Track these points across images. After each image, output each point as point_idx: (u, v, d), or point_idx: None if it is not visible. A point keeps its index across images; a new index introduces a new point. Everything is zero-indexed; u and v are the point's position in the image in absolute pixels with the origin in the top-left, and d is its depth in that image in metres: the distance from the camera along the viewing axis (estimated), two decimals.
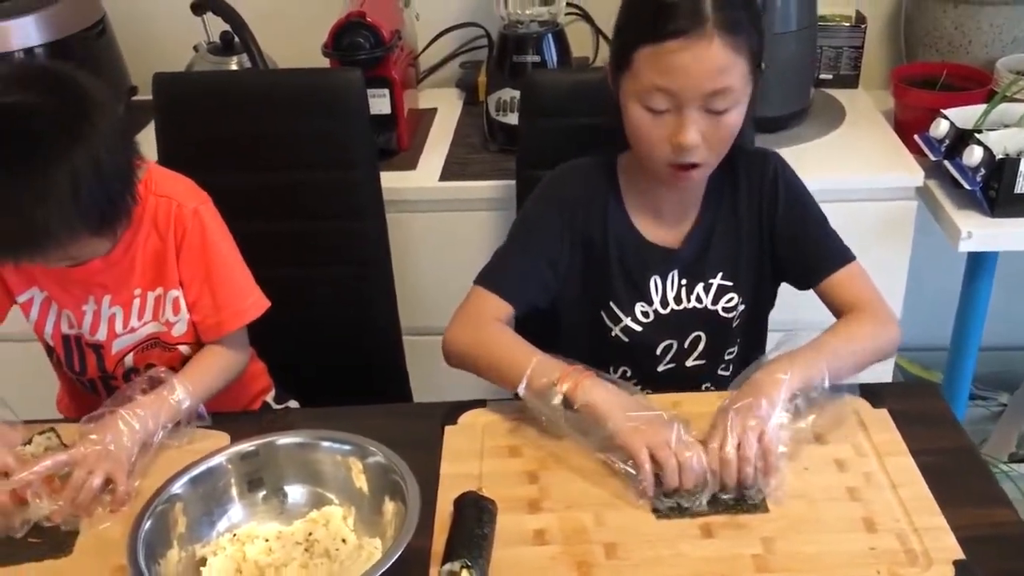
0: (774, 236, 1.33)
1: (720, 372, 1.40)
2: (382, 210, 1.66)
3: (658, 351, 1.36)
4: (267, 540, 1.06)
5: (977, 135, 1.68)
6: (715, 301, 1.34)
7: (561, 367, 1.16)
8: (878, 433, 1.18)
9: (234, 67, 1.97)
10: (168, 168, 1.37)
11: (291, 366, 1.60)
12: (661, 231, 1.34)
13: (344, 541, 1.05)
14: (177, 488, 1.06)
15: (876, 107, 2.04)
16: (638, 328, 1.35)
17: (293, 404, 1.56)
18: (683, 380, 1.36)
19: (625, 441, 1.10)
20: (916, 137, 1.80)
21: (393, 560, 0.93)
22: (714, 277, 1.34)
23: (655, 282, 1.33)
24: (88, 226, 1.14)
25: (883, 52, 2.21)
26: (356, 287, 1.67)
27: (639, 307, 1.34)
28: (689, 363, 1.38)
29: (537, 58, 1.89)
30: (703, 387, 1.38)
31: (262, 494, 1.11)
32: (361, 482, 1.09)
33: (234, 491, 1.10)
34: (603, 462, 1.13)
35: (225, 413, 1.29)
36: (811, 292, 1.32)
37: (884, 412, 1.21)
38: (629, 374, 1.38)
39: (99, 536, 1.08)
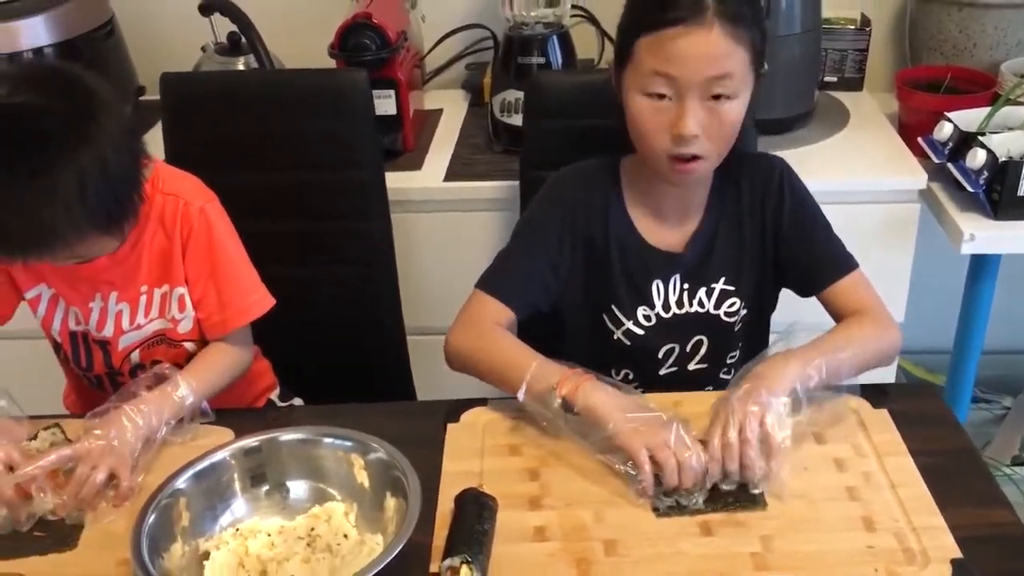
0: (778, 242, 1.33)
1: (722, 376, 1.40)
2: (387, 210, 1.66)
3: (660, 355, 1.37)
4: (269, 535, 1.07)
5: (980, 138, 1.68)
6: (717, 305, 1.35)
7: (560, 371, 1.17)
8: (878, 433, 1.18)
9: (241, 67, 1.98)
10: (175, 167, 1.37)
11: (296, 365, 1.61)
12: (663, 234, 1.34)
13: (346, 536, 1.06)
14: (181, 483, 1.07)
15: (880, 110, 2.05)
16: (640, 332, 1.35)
17: (297, 402, 1.58)
18: (685, 384, 1.36)
19: (624, 442, 1.10)
20: (920, 140, 1.81)
21: (394, 555, 0.94)
22: (716, 282, 1.34)
23: (657, 286, 1.34)
24: (95, 226, 1.15)
25: (888, 55, 2.21)
26: (361, 286, 1.68)
27: (641, 311, 1.34)
28: (691, 367, 1.38)
29: (542, 60, 1.90)
30: (705, 390, 1.39)
31: (265, 489, 1.12)
32: (363, 478, 1.10)
33: (237, 486, 1.11)
34: (603, 463, 1.13)
35: (230, 410, 1.30)
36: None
37: (884, 412, 1.21)
38: (631, 377, 1.38)
39: (103, 530, 1.09)
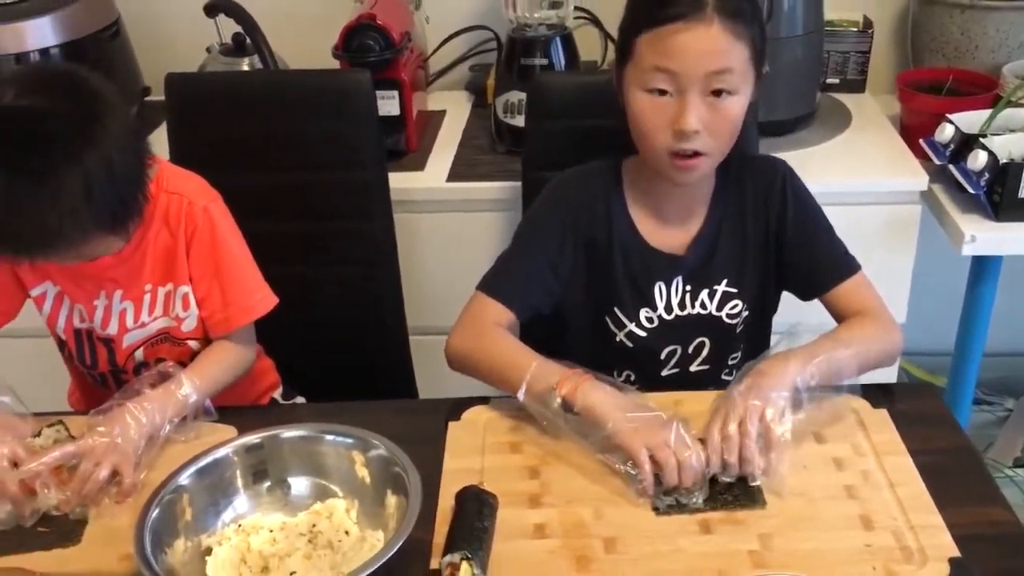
0: (781, 245, 1.34)
1: (723, 377, 1.40)
2: (390, 210, 1.67)
3: (662, 356, 1.37)
4: (271, 531, 1.08)
5: (982, 139, 1.69)
6: (719, 307, 1.35)
7: (560, 371, 1.17)
8: (877, 433, 1.18)
9: (245, 68, 1.99)
10: (180, 167, 1.38)
11: (299, 364, 1.61)
12: (665, 236, 1.34)
13: (347, 533, 1.07)
14: (184, 479, 1.08)
15: (883, 112, 2.05)
16: (642, 333, 1.35)
17: (300, 401, 1.58)
18: (687, 385, 1.37)
19: (624, 442, 1.11)
20: (921, 141, 1.81)
21: (394, 551, 0.95)
22: (719, 284, 1.34)
23: (660, 288, 1.34)
24: (100, 226, 1.16)
25: (890, 57, 2.21)
26: (364, 286, 1.69)
27: (643, 313, 1.35)
28: (693, 368, 1.39)
29: (545, 61, 1.90)
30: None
31: (266, 485, 1.12)
32: (364, 475, 1.11)
33: (239, 482, 1.11)
34: (604, 464, 1.14)
35: (233, 408, 1.31)
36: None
37: (883, 412, 1.22)
38: (633, 379, 1.39)
39: (107, 526, 1.10)
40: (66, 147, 1.10)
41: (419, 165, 1.92)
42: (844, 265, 1.32)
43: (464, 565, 0.97)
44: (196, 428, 1.24)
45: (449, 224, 1.88)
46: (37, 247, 1.15)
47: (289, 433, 1.14)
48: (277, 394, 1.57)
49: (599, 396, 1.14)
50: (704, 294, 1.34)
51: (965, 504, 1.07)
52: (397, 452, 1.08)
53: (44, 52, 1.96)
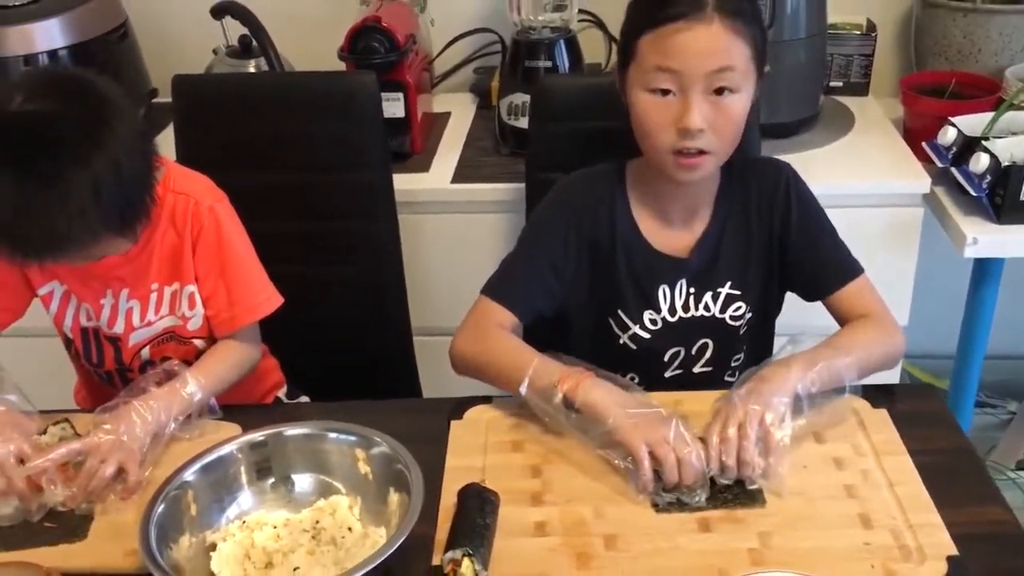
0: (784, 248, 1.34)
1: (727, 378, 1.41)
2: (394, 211, 1.68)
3: (666, 358, 1.38)
4: (275, 527, 1.09)
5: (984, 143, 1.69)
6: (723, 310, 1.35)
7: (561, 368, 1.18)
8: (877, 433, 1.19)
9: (252, 70, 2.00)
10: (186, 167, 1.39)
11: (303, 363, 1.62)
12: (669, 238, 1.34)
13: (350, 529, 1.08)
14: (189, 475, 1.09)
15: (886, 115, 2.05)
16: (646, 336, 1.36)
17: (304, 400, 1.59)
18: (690, 386, 1.37)
19: (624, 438, 1.11)
20: (924, 144, 1.81)
21: (396, 546, 0.96)
22: (722, 286, 1.35)
23: (663, 291, 1.34)
24: (109, 228, 1.17)
25: (894, 60, 2.22)
26: (368, 287, 1.70)
27: (647, 315, 1.35)
28: (696, 369, 1.39)
29: (549, 63, 1.91)
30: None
31: (270, 482, 1.13)
32: (367, 472, 1.12)
33: (244, 479, 1.13)
34: (603, 459, 1.15)
35: (237, 406, 1.32)
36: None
37: (883, 412, 1.22)
38: (637, 380, 1.38)
39: (113, 521, 1.11)
40: (74, 151, 1.11)
41: (424, 166, 1.93)
42: (847, 268, 1.32)
43: (465, 561, 0.98)
44: (201, 426, 1.25)
45: (453, 225, 1.89)
46: (46, 250, 1.16)
47: (293, 431, 1.15)
48: (282, 393, 1.58)
49: (600, 393, 1.15)
50: (708, 296, 1.35)
51: (964, 504, 1.08)
52: (400, 450, 1.09)
53: (52, 54, 1.97)
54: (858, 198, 1.80)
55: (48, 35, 1.97)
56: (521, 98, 1.89)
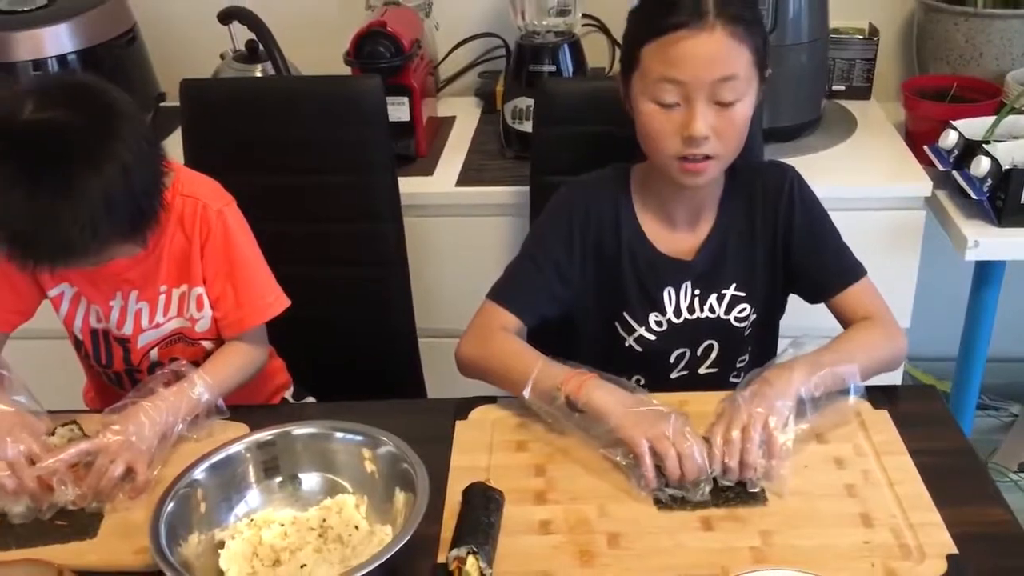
0: (788, 250, 1.35)
1: (732, 379, 1.41)
2: (400, 214, 1.69)
3: (671, 359, 1.39)
4: (283, 525, 1.10)
5: (985, 146, 1.70)
6: (728, 311, 1.36)
7: (564, 370, 1.19)
8: (878, 433, 1.20)
9: (259, 74, 2.02)
10: (194, 171, 1.40)
11: (310, 365, 1.64)
12: (674, 241, 1.35)
13: (356, 528, 1.09)
14: (198, 474, 1.10)
15: (888, 118, 2.06)
16: (652, 338, 1.37)
17: (310, 400, 1.60)
18: (696, 387, 1.37)
19: (625, 434, 1.12)
20: (925, 148, 1.82)
21: (402, 544, 0.97)
22: (727, 288, 1.36)
23: (668, 293, 1.35)
24: (119, 235, 1.19)
25: (896, 64, 2.23)
26: (374, 289, 1.71)
27: (653, 317, 1.36)
28: (701, 371, 1.40)
29: (553, 67, 1.93)
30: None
31: (278, 481, 1.15)
32: (373, 471, 1.13)
33: (252, 478, 1.14)
34: (606, 459, 1.16)
35: (245, 407, 1.33)
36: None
37: (884, 413, 1.23)
38: (643, 382, 1.39)
39: (123, 519, 1.12)
40: (85, 160, 1.12)
41: (428, 170, 1.94)
42: (850, 270, 1.33)
43: (470, 559, 0.99)
44: (209, 426, 1.26)
45: (458, 228, 1.90)
46: (58, 257, 1.17)
47: (300, 430, 1.16)
48: (288, 394, 1.59)
49: (602, 394, 1.16)
50: (713, 298, 1.36)
51: (964, 503, 1.09)
52: (405, 449, 1.10)
53: (62, 59, 1.99)
54: (860, 201, 1.81)
55: (57, 40, 1.98)
56: (525, 102, 1.90)
